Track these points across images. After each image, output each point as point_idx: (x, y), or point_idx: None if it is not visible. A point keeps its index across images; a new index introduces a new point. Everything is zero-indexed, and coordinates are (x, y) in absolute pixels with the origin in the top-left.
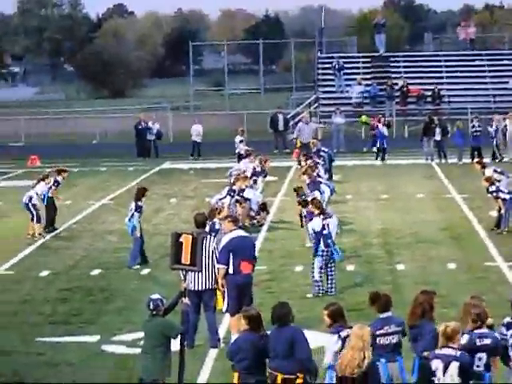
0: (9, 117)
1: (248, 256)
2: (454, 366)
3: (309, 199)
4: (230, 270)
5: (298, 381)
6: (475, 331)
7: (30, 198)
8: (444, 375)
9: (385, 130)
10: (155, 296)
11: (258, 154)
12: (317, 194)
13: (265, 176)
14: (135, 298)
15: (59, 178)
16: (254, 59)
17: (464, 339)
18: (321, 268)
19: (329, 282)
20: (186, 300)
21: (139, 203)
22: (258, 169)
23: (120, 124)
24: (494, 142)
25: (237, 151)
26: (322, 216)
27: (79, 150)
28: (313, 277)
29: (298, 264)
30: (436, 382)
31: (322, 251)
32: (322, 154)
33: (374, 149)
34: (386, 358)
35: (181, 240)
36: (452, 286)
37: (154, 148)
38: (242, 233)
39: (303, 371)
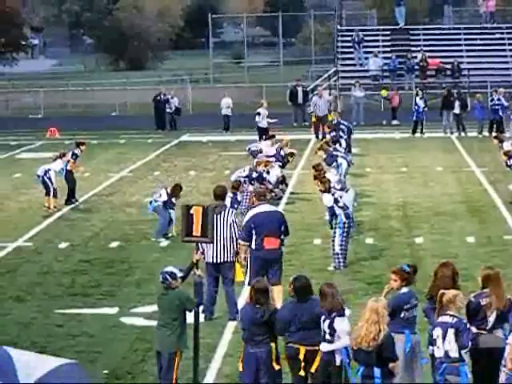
0: (28, 89)
1: (273, 231)
2: (451, 333)
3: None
4: (253, 245)
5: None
6: None
7: (46, 172)
8: (443, 343)
9: (422, 103)
10: (168, 269)
11: (278, 140)
12: (332, 170)
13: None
14: (154, 270)
15: (77, 151)
16: (273, 32)
17: None
18: (341, 241)
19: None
20: (198, 272)
21: (173, 200)
22: (282, 152)
23: (139, 96)
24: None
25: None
26: (330, 191)
27: (98, 122)
28: (333, 250)
29: (318, 237)
30: (436, 350)
31: (344, 223)
32: (341, 127)
33: (394, 122)
34: (409, 330)
35: (191, 212)
36: (471, 259)
37: (172, 121)
38: (267, 208)
39: None
